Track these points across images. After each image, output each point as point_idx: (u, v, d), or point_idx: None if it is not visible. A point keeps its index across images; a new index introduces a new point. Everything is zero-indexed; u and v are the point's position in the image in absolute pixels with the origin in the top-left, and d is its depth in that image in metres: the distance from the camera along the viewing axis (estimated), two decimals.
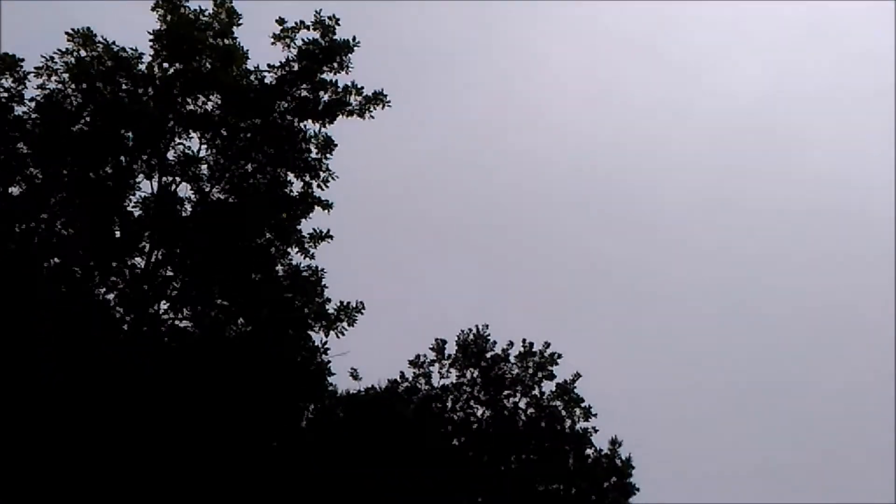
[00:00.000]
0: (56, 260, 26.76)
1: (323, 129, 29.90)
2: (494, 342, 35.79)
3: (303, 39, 29.47)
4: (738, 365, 76.83)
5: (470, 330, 35.88)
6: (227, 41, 29.32)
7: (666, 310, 78.79)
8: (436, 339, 35.91)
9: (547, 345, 35.61)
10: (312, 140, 29.87)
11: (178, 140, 29.07)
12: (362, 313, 29.49)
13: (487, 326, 36.00)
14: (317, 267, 29.48)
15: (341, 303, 29.31)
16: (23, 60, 27.77)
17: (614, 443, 35.64)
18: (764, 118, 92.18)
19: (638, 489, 35.53)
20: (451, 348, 35.95)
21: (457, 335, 35.85)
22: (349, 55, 29.61)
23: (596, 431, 35.37)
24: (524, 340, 35.69)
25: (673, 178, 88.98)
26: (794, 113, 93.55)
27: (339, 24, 29.51)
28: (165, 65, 29.02)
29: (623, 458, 35.64)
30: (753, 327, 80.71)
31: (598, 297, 79.62)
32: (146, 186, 28.70)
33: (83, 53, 28.37)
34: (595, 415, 35.32)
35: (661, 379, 71.83)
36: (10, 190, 27.05)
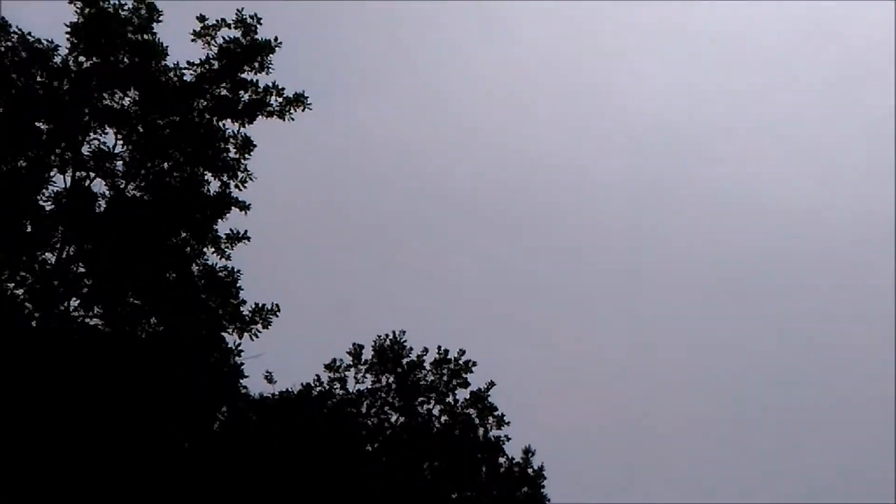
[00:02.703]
0: None
1: (242, 129, 29.66)
2: (410, 348, 35.78)
3: (224, 38, 29.15)
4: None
5: (387, 335, 35.84)
6: (146, 36, 28.90)
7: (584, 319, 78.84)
8: (353, 344, 35.81)
9: (462, 352, 35.74)
10: (231, 140, 29.58)
11: (93, 135, 28.52)
12: (277, 315, 29.23)
13: (404, 332, 36.03)
14: (232, 268, 29.16)
15: (256, 304, 29.00)
16: None
17: (527, 452, 35.85)
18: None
19: (549, 500, 35.80)
20: (367, 354, 35.87)
21: (373, 340, 35.80)
22: (270, 55, 29.45)
23: (509, 440, 35.54)
24: (439, 347, 35.76)
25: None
26: None
27: (260, 24, 29.27)
28: (82, 58, 28.47)
29: (535, 467, 35.87)
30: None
31: (519, 305, 79.71)
32: (60, 181, 28.08)
33: None
34: (508, 423, 35.51)
35: (583, 387, 71.86)
36: None
